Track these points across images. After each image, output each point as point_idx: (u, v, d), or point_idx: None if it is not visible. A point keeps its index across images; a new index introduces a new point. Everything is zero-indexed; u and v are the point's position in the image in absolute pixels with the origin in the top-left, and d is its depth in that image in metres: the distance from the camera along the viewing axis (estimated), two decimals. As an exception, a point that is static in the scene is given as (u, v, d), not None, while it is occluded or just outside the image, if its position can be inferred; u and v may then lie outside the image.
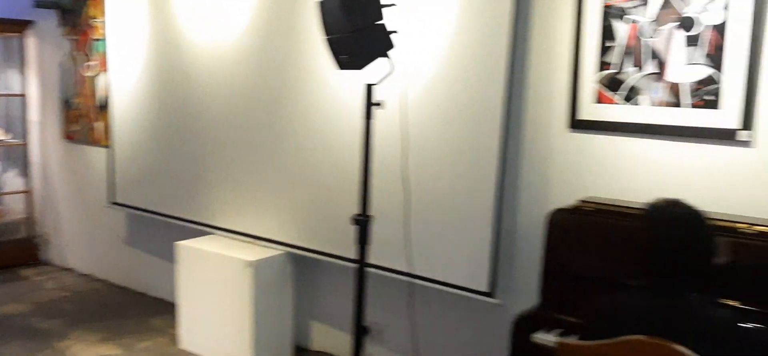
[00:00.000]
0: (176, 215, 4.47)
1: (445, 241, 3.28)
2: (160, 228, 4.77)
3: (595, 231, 2.68)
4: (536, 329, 2.62)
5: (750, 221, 2.44)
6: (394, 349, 3.78)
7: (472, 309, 3.42)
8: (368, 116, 2.72)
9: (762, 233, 2.37)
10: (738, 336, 1.87)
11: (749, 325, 2.24)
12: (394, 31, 2.64)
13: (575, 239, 2.74)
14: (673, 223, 1.92)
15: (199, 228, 4.31)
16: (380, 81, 2.67)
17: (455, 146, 3.20)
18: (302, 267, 4.05)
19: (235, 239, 4.12)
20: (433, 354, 3.64)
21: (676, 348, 1.70)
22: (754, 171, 2.60)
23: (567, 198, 3.00)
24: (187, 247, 4.07)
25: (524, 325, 2.65)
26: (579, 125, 3.00)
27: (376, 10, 2.55)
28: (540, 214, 2.96)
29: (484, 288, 3.17)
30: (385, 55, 2.62)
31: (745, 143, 2.60)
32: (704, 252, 1.91)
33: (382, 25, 2.59)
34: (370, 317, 3.87)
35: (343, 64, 2.60)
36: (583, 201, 2.83)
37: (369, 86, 2.69)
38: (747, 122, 2.57)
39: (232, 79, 4.02)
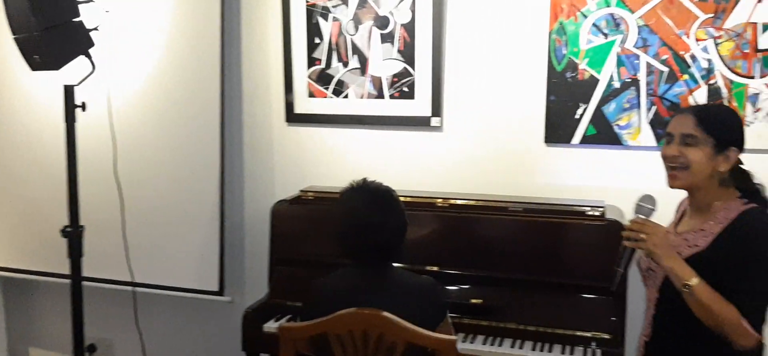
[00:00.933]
0: None
1: (170, 244, 3.19)
2: None
3: (314, 218, 2.82)
4: (268, 319, 2.69)
5: (445, 196, 2.77)
6: (124, 363, 3.59)
7: (205, 310, 3.39)
8: (70, 119, 2.53)
9: (454, 205, 2.71)
10: (437, 296, 2.09)
11: (450, 287, 2.57)
12: (95, 29, 2.48)
13: (297, 228, 2.86)
14: (367, 202, 2.06)
15: None
16: (81, 82, 2.50)
17: (174, 145, 3.12)
18: (14, 290, 3.67)
19: None
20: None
21: (383, 315, 1.88)
22: (446, 152, 2.96)
23: (289, 190, 3.11)
24: None
25: (255, 317, 2.69)
26: (295, 118, 3.12)
27: (71, 7, 2.38)
28: (265, 207, 3.03)
29: (214, 288, 3.15)
30: (86, 54, 2.46)
31: (437, 128, 2.94)
32: (399, 227, 2.07)
33: (80, 22, 2.42)
34: (95, 334, 3.58)
35: (36, 66, 2.37)
36: (303, 191, 2.95)
37: (68, 88, 2.50)
38: (436, 110, 2.91)
39: None
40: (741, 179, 1.90)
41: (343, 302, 1.92)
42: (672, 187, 1.91)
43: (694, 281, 1.75)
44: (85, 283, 2.77)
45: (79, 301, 2.70)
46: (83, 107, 2.55)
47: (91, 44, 2.47)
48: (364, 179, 2.10)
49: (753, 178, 1.91)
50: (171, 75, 3.09)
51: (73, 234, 2.62)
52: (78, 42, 2.42)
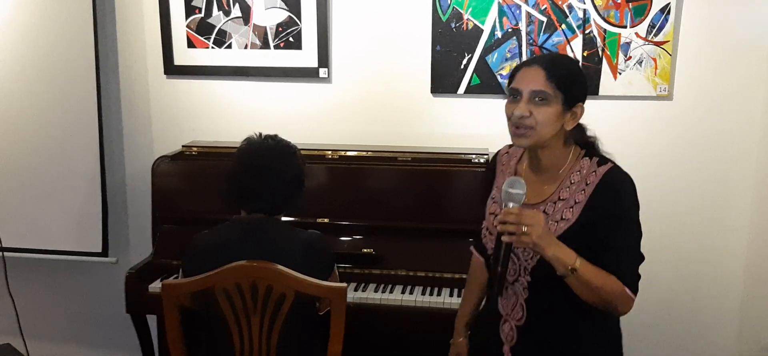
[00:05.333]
0: None
1: (44, 206, 3.01)
2: None
3: (198, 174, 2.73)
4: (154, 280, 2.59)
5: (334, 148, 2.76)
6: (-2, 333, 3.37)
7: (86, 271, 3.24)
8: None
9: (343, 157, 2.70)
10: (324, 249, 2.09)
11: (342, 238, 2.58)
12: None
13: (181, 184, 2.75)
14: (267, 149, 2.05)
15: None
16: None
17: (44, 102, 2.92)
18: None
19: None
20: (47, 326, 3.38)
21: (272, 266, 1.85)
22: (334, 104, 2.93)
23: (171, 145, 2.99)
24: None
25: (139, 278, 2.59)
26: (175, 70, 2.98)
27: None
28: (146, 164, 2.90)
29: (97, 249, 3.01)
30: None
31: (325, 80, 2.90)
32: (296, 178, 2.08)
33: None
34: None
35: None
36: (186, 146, 2.84)
37: None
38: (324, 61, 2.86)
39: None
40: (578, 134, 1.79)
41: (227, 256, 1.88)
42: (518, 145, 1.78)
43: (578, 263, 1.61)
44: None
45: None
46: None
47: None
48: (267, 134, 2.10)
49: (587, 131, 1.81)
50: (38, 24, 2.87)
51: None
52: None
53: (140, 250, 3.06)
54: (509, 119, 1.73)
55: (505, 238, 1.61)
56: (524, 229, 1.58)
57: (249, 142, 2.08)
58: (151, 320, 2.75)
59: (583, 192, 1.71)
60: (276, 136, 2.11)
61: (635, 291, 1.69)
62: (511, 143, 1.79)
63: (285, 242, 2.01)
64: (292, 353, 1.98)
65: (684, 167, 2.75)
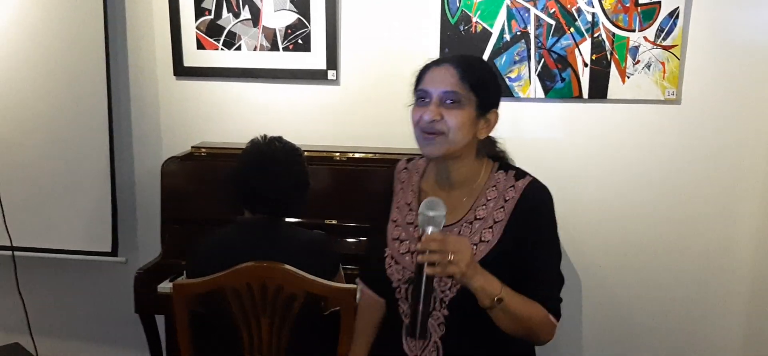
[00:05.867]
0: None
1: (54, 205, 3.02)
2: None
3: (208, 175, 2.74)
4: (162, 280, 2.61)
5: (342, 150, 2.77)
6: (8, 331, 3.37)
7: (95, 271, 3.25)
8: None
9: (351, 159, 2.71)
10: (329, 250, 2.10)
11: (349, 240, 2.58)
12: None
13: (189, 185, 2.77)
14: (273, 151, 2.06)
15: None
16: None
17: (55, 101, 2.94)
18: None
19: None
20: (56, 325, 3.39)
21: (283, 267, 1.86)
22: (343, 106, 2.94)
23: (180, 146, 3.00)
24: None
25: (148, 278, 2.60)
26: (184, 71, 2.99)
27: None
28: (155, 164, 2.91)
29: (107, 249, 3.03)
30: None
31: (333, 81, 2.91)
32: (301, 181, 2.09)
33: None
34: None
35: None
36: (195, 147, 2.86)
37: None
38: (332, 63, 2.87)
39: None
40: (489, 146, 1.62)
41: (233, 258, 1.89)
42: (427, 155, 1.56)
43: (503, 292, 1.41)
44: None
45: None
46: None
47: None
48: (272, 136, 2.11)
49: (497, 144, 1.66)
50: (48, 25, 2.88)
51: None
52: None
53: (149, 250, 3.07)
54: (416, 124, 1.53)
55: (428, 269, 1.35)
56: (450, 257, 1.34)
57: (254, 143, 2.09)
58: (159, 320, 2.76)
59: (502, 210, 1.52)
60: (281, 138, 2.13)
61: (558, 316, 1.52)
62: (419, 154, 1.61)
63: (290, 243, 2.02)
64: (300, 353, 1.99)
65: (692, 171, 2.74)
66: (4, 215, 2.92)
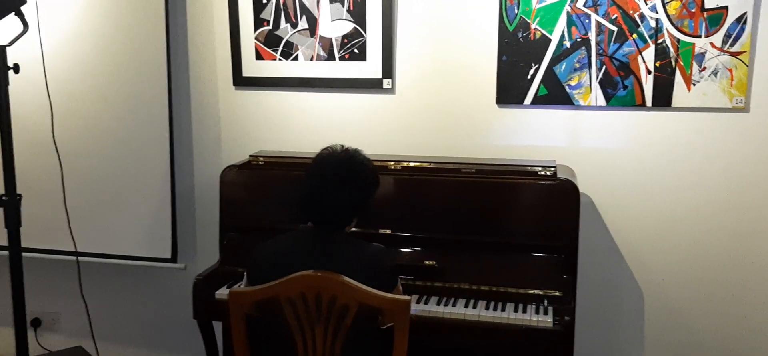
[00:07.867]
0: None
1: (116, 212, 3.10)
2: None
3: (265, 184, 2.77)
4: (220, 286, 2.64)
5: (398, 159, 2.75)
6: (71, 335, 3.49)
7: (155, 277, 3.32)
8: (2, 82, 2.39)
9: (407, 168, 2.69)
10: (388, 263, 2.08)
11: (404, 250, 2.56)
12: (27, -14, 2.35)
13: (247, 193, 2.80)
14: (329, 168, 2.05)
15: None
16: (12, 42, 2.36)
17: (118, 111, 3.02)
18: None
19: None
20: (117, 329, 3.48)
21: (337, 277, 1.85)
22: (397, 115, 2.93)
23: (238, 154, 3.05)
24: None
25: (206, 284, 2.64)
26: (243, 81, 3.04)
27: (1, -39, 2.24)
28: (214, 172, 2.96)
29: (166, 255, 3.09)
30: (18, 13, 2.32)
31: (389, 90, 2.91)
32: (357, 196, 2.07)
33: (11, -22, 2.28)
34: (39, 307, 3.50)
35: (-38, 24, 2.23)
36: (253, 156, 2.89)
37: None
38: (388, 71, 2.87)
39: None
40: None
41: (290, 266, 1.89)
42: None
43: None
44: (25, 254, 2.66)
45: (19, 273, 2.58)
46: (16, 69, 2.41)
47: (23, 1, 2.33)
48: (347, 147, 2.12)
49: None
50: (112, 36, 2.97)
51: (10, 203, 2.50)
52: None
53: (207, 257, 3.13)
54: None
55: None
56: None
57: (324, 152, 2.09)
58: (217, 326, 2.80)
59: None
60: (354, 149, 2.11)
61: None
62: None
63: (349, 254, 2.01)
64: (355, 365, 1.98)
65: (760, 183, 2.62)
66: (69, 221, 3.01)
